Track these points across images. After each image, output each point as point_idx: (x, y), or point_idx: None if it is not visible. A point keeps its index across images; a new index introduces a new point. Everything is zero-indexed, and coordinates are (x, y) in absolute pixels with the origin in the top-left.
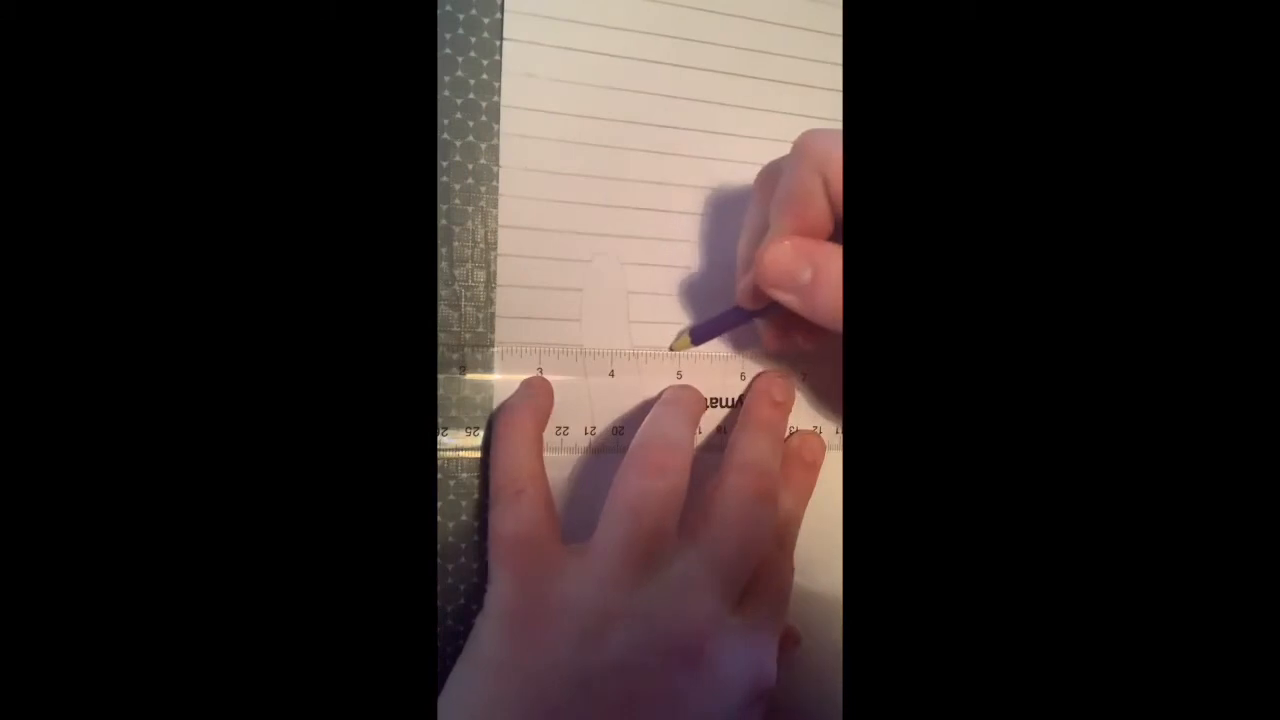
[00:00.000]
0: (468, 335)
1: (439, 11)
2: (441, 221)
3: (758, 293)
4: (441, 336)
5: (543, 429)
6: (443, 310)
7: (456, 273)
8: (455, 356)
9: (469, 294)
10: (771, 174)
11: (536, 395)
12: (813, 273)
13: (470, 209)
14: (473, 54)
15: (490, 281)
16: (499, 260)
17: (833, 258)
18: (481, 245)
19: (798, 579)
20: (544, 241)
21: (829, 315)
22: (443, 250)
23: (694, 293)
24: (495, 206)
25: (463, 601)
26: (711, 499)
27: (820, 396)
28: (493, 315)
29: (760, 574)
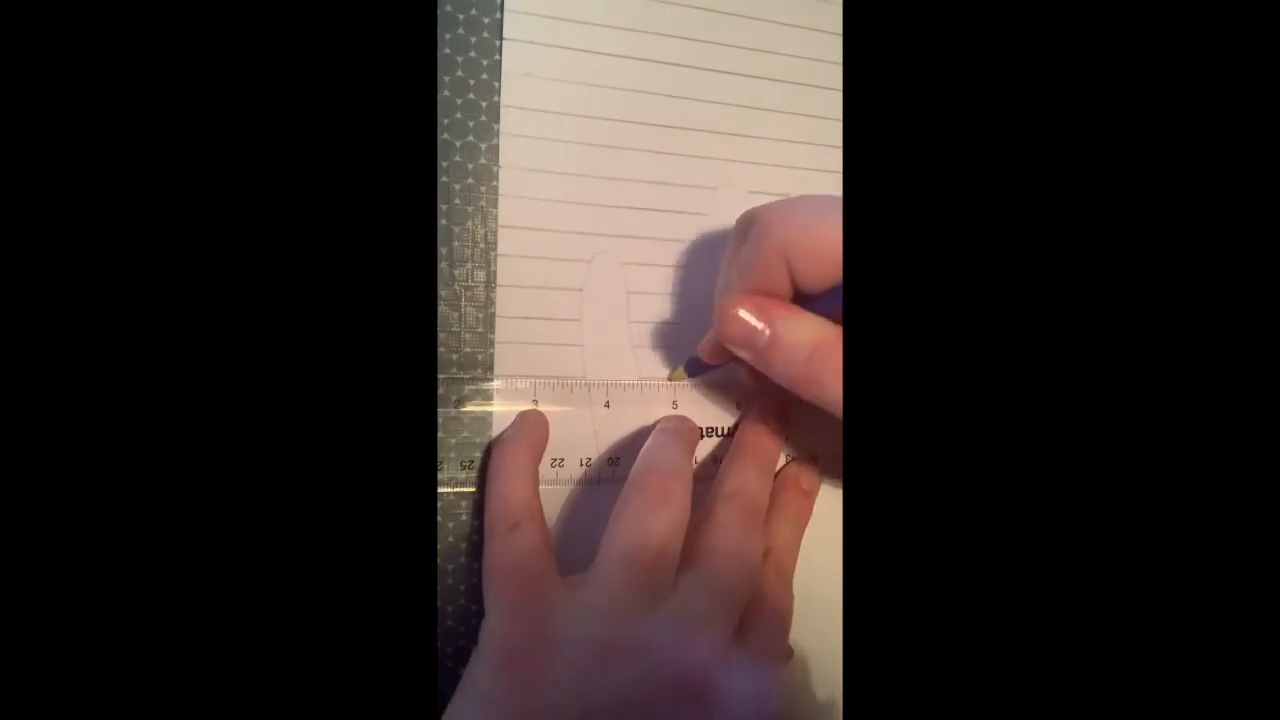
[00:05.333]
0: (468, 335)
1: (439, 11)
2: (441, 221)
3: (720, 347)
4: (441, 336)
5: (538, 462)
6: (443, 310)
7: (456, 273)
8: (453, 393)
9: (469, 294)
10: (746, 224)
11: (531, 428)
12: (770, 335)
13: (470, 209)
14: (473, 54)
15: (490, 281)
16: (499, 260)
17: (789, 321)
18: (481, 245)
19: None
20: (544, 241)
21: (785, 378)
22: (443, 250)
23: (694, 293)
24: (495, 206)
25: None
26: (700, 530)
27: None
28: (493, 315)
29: (758, 603)
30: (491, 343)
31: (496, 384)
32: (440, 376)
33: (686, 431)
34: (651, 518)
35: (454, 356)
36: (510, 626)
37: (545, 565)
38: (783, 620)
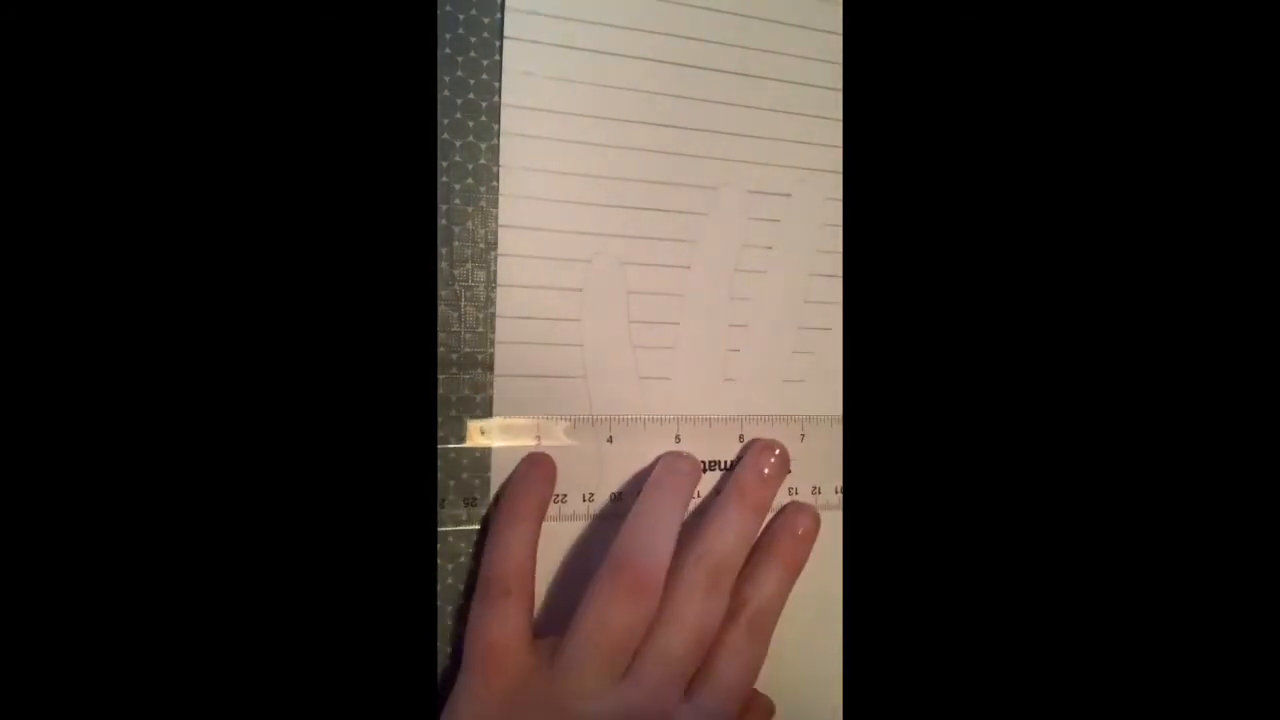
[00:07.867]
0: (468, 335)
1: (439, 11)
2: (441, 221)
3: None
4: (441, 336)
5: (542, 516)
6: (443, 310)
7: (456, 273)
8: (453, 414)
9: (469, 294)
10: None
11: (539, 474)
12: None
13: (470, 209)
14: (473, 54)
15: (490, 281)
16: (499, 260)
17: None
18: (481, 245)
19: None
20: (544, 241)
21: None
22: (443, 250)
23: (694, 293)
24: (495, 206)
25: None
26: (667, 592)
27: (820, 456)
28: (493, 315)
29: (716, 659)
30: (491, 343)
31: (498, 421)
32: (440, 376)
33: (681, 486)
34: (619, 610)
35: (454, 356)
36: (484, 697)
37: (523, 641)
38: (741, 676)
